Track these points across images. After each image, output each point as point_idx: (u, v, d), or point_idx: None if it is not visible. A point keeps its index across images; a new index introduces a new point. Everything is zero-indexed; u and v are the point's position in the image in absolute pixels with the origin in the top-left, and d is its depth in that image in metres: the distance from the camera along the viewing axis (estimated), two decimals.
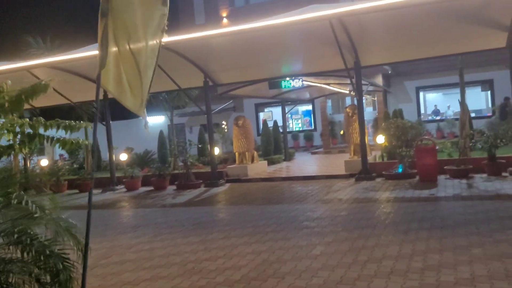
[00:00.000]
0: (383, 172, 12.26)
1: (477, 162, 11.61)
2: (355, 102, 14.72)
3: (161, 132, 23.17)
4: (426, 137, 12.29)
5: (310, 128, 28.05)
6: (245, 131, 14.97)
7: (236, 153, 15.19)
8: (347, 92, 21.40)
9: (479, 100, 25.67)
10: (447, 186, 10.25)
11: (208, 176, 14.02)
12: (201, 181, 14.08)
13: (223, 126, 24.48)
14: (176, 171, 14.85)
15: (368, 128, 31.38)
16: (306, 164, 17.81)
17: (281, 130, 20.67)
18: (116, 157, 16.42)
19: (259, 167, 15.47)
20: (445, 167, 11.53)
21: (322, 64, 13.11)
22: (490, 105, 23.10)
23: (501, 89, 22.78)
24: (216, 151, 14.55)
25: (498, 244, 5.61)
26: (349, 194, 10.22)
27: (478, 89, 25.12)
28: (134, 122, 34.21)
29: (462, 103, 13.51)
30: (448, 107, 27.07)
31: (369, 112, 24.78)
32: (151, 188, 14.37)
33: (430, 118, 25.55)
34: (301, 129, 28.21)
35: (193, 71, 13.76)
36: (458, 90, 28.38)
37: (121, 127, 33.85)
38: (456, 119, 24.28)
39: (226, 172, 14.74)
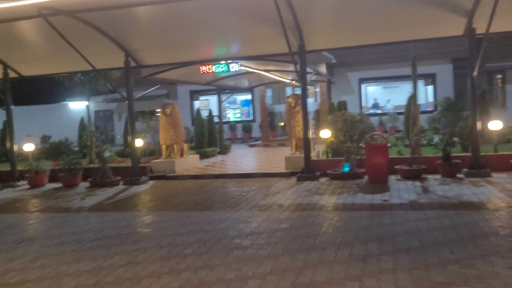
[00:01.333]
0: (328, 171, 10.89)
1: (430, 161, 10.49)
2: (297, 91, 13.31)
3: (82, 120, 20.67)
4: (377, 132, 11.02)
5: (248, 118, 26.52)
6: (173, 121, 13.09)
7: (163, 146, 13.29)
8: (289, 81, 20.04)
9: (420, 94, 25.20)
10: (401, 189, 8.99)
11: (129, 171, 12.04)
12: (120, 177, 12.09)
13: (158, 114, 22.38)
14: (91, 165, 12.71)
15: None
16: (242, 158, 16.20)
17: (217, 120, 18.93)
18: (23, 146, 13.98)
19: (189, 162, 13.67)
20: (396, 167, 10.32)
21: (263, 47, 11.48)
22: (433, 99, 22.58)
23: (443, 83, 22.31)
24: (139, 142, 12.58)
25: (483, 279, 4.24)
26: (290, 198, 8.70)
27: (420, 83, 24.60)
28: (57, 107, 31.13)
29: (414, 97, 12.41)
30: (388, 100, 26.51)
31: (310, 103, 23.60)
32: (60, 185, 12.18)
33: (371, 111, 24.80)
34: (239, 120, 26.61)
35: (112, 49, 11.66)
36: (399, 84, 28.22)
37: (41, 113, 30.73)
38: (399, 113, 23.74)
39: (151, 168, 12.82)
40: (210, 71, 12.09)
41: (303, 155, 11.97)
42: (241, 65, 12.67)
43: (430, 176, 10.15)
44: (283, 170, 11.98)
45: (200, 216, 7.68)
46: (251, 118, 26.58)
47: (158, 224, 7.29)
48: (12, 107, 13.14)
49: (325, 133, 11.50)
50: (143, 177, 12.02)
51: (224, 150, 18.11)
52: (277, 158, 15.12)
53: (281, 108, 23.62)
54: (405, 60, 22.46)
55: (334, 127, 10.63)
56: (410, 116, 12.46)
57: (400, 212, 7.17)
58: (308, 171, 10.83)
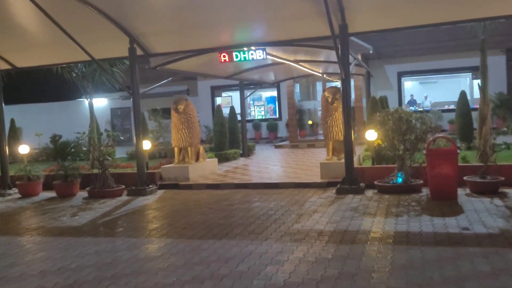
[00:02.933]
0: (376, 182, 8.76)
1: (507, 171, 8.25)
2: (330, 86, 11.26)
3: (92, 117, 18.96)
4: (441, 135, 8.82)
5: (274, 116, 24.47)
6: (187, 119, 11.13)
7: (175, 149, 11.36)
8: (320, 74, 17.89)
9: (467, 90, 22.67)
10: (478, 210, 6.81)
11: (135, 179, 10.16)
12: (123, 186, 10.21)
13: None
14: (92, 171, 10.86)
15: None
16: (268, 162, 14.15)
17: (239, 119, 16.94)
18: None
19: (206, 167, 11.70)
20: (464, 178, 8.11)
21: (294, 29, 9.38)
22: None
23: (495, 76, 19.74)
24: (147, 145, 10.67)
25: None
26: (333, 221, 6.62)
27: (467, 76, 22.13)
28: (72, 105, 29.64)
29: (484, 89, 10.14)
30: (425, 97, 24.08)
31: None
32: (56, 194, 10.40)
33: (411, 108, 22.41)
34: (263, 118, 24.56)
35: (114, 34, 9.78)
36: (437, 79, 25.66)
37: (56, 110, 29.24)
38: (444, 111, 21.32)
39: (160, 174, 10.90)
40: (230, 60, 10.08)
41: (342, 161, 9.87)
42: (267, 53, 10.59)
43: (510, 191, 7.92)
44: (317, 179, 9.90)
45: (213, 248, 5.68)
46: (276, 116, 24.53)
47: (155, 261, 5.32)
48: (15, 105, 11.38)
49: (371, 135, 9.36)
50: (150, 186, 10.12)
51: (247, 152, 16.11)
52: (308, 163, 13.02)
53: (310, 104, 21.51)
54: (450, 51, 20.14)
55: (383, 128, 8.48)
56: (479, 113, 10.24)
57: (496, 250, 5.01)
58: (350, 181, 8.73)
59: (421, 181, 8.49)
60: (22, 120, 27.13)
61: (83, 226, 7.37)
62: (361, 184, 8.82)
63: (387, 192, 8.45)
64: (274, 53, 11.90)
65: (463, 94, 15.54)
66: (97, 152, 10.07)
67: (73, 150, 14.55)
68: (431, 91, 24.58)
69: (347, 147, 8.85)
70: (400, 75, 21.10)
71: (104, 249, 5.90)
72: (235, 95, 24.30)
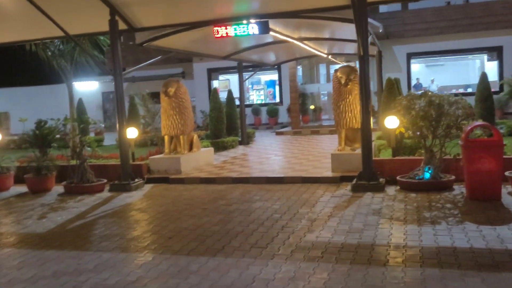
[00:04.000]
0: (398, 178, 7.46)
1: None
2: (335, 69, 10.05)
3: (80, 101, 17.62)
4: (480, 122, 7.46)
5: (274, 101, 23.08)
6: (178, 104, 9.77)
7: (166, 137, 10.01)
8: (325, 55, 16.52)
9: (476, 72, 21.31)
10: None
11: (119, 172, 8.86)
12: (105, 181, 8.90)
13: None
14: (72, 163, 9.49)
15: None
16: (269, 151, 12.83)
17: (237, 103, 15.58)
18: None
19: (200, 158, 10.38)
20: (506, 173, 6.81)
21: None
22: (497, 78, 18.68)
23: (511, 58, 18.38)
24: (132, 133, 9.32)
25: None
26: (353, 231, 5.32)
27: (483, 58, 20.72)
28: (61, 88, 28.03)
29: None
30: (432, 80, 22.70)
31: None
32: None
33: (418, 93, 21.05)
34: (263, 102, 23.18)
35: (91, 3, 8.36)
36: (445, 61, 24.19)
37: (44, 94, 27.70)
38: (457, 95, 19.87)
39: (148, 166, 9.58)
40: (228, 34, 8.69)
41: (356, 152, 8.58)
42: (270, 29, 9.18)
43: None
44: (328, 172, 8.60)
45: (205, 269, 4.40)
46: (275, 100, 23.14)
47: None
48: None
49: (391, 122, 8.03)
50: (136, 180, 8.81)
51: (247, 140, 14.78)
52: (315, 152, 11.71)
53: (314, 88, 20.13)
54: (464, 30, 18.70)
55: (408, 114, 7.14)
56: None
57: None
58: (369, 177, 7.43)
59: (453, 177, 7.20)
60: (7, 105, 25.83)
61: (49, 233, 6.07)
62: (381, 179, 7.52)
63: (412, 189, 7.16)
64: (277, 29, 10.51)
65: (483, 76, 14.17)
66: (73, 142, 8.70)
67: (58, 137, 13.17)
68: (438, 75, 23.22)
69: (365, 137, 7.53)
70: (410, 56, 19.67)
71: (65, 270, 4.61)
72: (233, 78, 22.90)
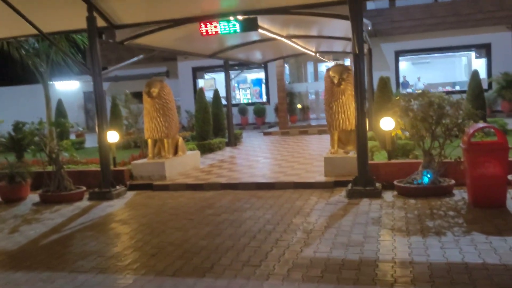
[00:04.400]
0: (395, 182, 7.08)
1: None
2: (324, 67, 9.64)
3: (59, 102, 16.96)
4: (487, 125, 7.06)
5: (260, 100, 22.65)
6: (163, 105, 9.27)
7: (149, 141, 9.49)
8: (312, 53, 16.11)
9: (467, 70, 21.15)
10: None
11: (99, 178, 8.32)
12: (84, 188, 8.37)
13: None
14: (49, 169, 8.91)
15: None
16: (258, 153, 12.38)
17: (224, 103, 15.10)
18: None
19: (186, 162, 9.89)
20: (508, 177, 6.46)
21: None
22: (485, 76, 18.46)
23: (501, 55, 18.20)
24: (112, 136, 8.79)
25: None
26: (353, 244, 4.91)
27: (470, 55, 20.55)
28: (40, 88, 27.16)
29: None
30: (418, 78, 22.50)
31: None
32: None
33: (408, 90, 20.78)
34: (249, 102, 22.72)
35: (68, 0, 7.82)
36: (432, 59, 23.98)
37: (25, 95, 26.81)
38: (448, 93, 19.57)
39: (131, 172, 9.07)
40: (215, 32, 8.20)
41: (350, 154, 8.19)
42: (259, 26, 8.70)
43: None
44: (321, 177, 8.19)
45: None
46: (262, 99, 22.70)
47: None
48: None
49: (387, 124, 7.65)
50: (117, 187, 8.30)
51: (234, 141, 14.32)
52: (305, 154, 11.30)
53: (302, 87, 19.74)
54: (451, 27, 18.45)
55: (406, 115, 6.75)
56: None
57: None
58: (365, 182, 7.03)
59: (453, 181, 6.84)
60: None
61: (20, 250, 5.54)
62: (377, 184, 7.13)
63: (410, 195, 6.78)
64: (265, 26, 10.05)
65: (475, 74, 13.89)
66: (49, 147, 8.13)
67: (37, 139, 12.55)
68: (424, 72, 23.07)
69: (361, 139, 7.12)
70: (398, 54, 19.41)
71: None
72: (219, 77, 22.42)
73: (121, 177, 8.74)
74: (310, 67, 21.80)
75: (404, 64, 22.45)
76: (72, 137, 17.57)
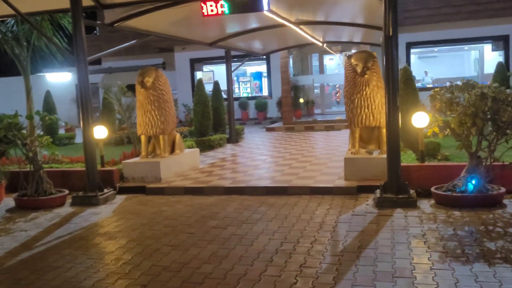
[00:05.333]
0: (433, 190, 5.99)
1: None
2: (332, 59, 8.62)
3: (47, 94, 15.78)
4: None
5: (260, 94, 21.54)
6: (158, 97, 8.13)
7: (142, 137, 8.35)
8: (320, 43, 15.00)
9: (485, 63, 20.07)
10: None
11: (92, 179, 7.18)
12: (67, 192, 7.24)
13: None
14: (25, 168, 7.73)
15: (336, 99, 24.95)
16: (263, 151, 11.26)
17: (225, 97, 13.98)
18: None
19: (184, 162, 8.76)
20: None
21: None
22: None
23: None
24: (100, 132, 7.66)
25: None
26: (399, 273, 3.82)
27: (482, 48, 19.48)
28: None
29: None
30: (426, 72, 21.43)
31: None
32: None
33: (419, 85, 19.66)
34: (250, 96, 21.59)
35: None
36: (439, 53, 22.93)
37: (15, 86, 25.49)
38: None
39: (121, 173, 7.94)
40: (219, 12, 7.06)
41: (374, 155, 7.11)
42: (269, 8, 7.56)
43: None
44: (340, 180, 7.08)
45: None
46: (262, 93, 21.56)
47: None
48: None
49: (419, 120, 6.57)
50: (105, 190, 7.18)
51: (235, 137, 13.21)
52: (316, 153, 10.20)
53: (308, 80, 18.60)
54: (469, 17, 17.35)
55: (451, 110, 5.65)
56: None
57: None
58: (397, 188, 5.94)
59: (502, 189, 5.75)
60: None
61: None
62: (411, 191, 6.04)
63: (453, 205, 5.69)
64: (273, 8, 8.91)
65: (500, 66, 12.89)
66: (28, 144, 6.97)
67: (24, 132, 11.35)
68: (431, 66, 22.03)
69: (392, 138, 6.03)
70: (409, 46, 18.28)
71: None
72: (218, 69, 21.29)
73: (110, 178, 7.61)
74: (315, 60, 20.67)
75: (411, 58, 21.40)
76: (61, 132, 16.42)
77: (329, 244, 4.66)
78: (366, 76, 6.96)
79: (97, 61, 26.21)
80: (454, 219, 5.23)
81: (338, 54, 19.58)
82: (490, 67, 20.74)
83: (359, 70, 6.96)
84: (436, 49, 21.45)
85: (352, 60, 7.08)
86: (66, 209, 6.79)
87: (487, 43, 18.20)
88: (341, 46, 17.75)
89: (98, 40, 23.28)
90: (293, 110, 17.12)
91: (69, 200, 7.14)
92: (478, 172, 5.67)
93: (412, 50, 18.65)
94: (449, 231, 4.83)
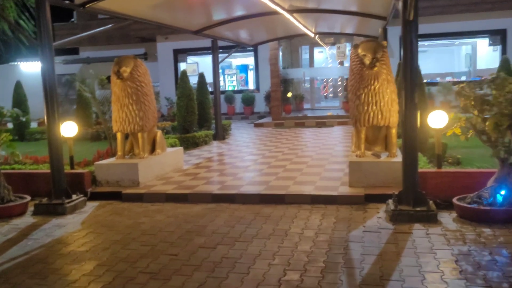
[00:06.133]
0: (455, 201, 5.18)
1: None
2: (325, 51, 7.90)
3: (18, 85, 14.57)
4: None
5: (246, 87, 20.62)
6: (137, 90, 7.15)
7: (118, 135, 7.37)
8: (313, 34, 14.12)
9: (480, 59, 19.45)
10: None
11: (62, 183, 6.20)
12: (29, 198, 6.26)
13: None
14: None
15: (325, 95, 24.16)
16: (253, 150, 10.36)
17: (211, 90, 13.02)
18: None
19: (166, 162, 7.81)
20: None
21: None
22: (498, 65, 16.69)
23: None
24: (69, 129, 6.68)
25: None
26: None
27: (475, 43, 18.85)
28: (3, 69, 24.54)
29: None
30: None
31: (337, 69, 17.59)
32: None
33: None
34: (236, 89, 20.65)
35: None
36: (428, 47, 22.25)
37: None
38: (457, 83, 17.81)
39: (93, 175, 6.97)
40: None
41: (382, 159, 6.28)
42: None
43: None
44: (344, 187, 6.24)
45: None
46: (248, 87, 20.63)
47: None
48: None
49: (437, 119, 5.75)
50: (74, 196, 6.21)
51: (222, 134, 12.28)
52: (311, 153, 9.34)
53: (298, 73, 17.74)
54: (467, 10, 16.69)
55: (482, 109, 4.82)
56: None
57: None
58: (414, 199, 5.11)
59: None
60: None
61: None
62: (429, 202, 5.21)
63: (479, 219, 4.89)
64: None
65: (505, 61, 12.21)
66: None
67: None
68: (420, 62, 21.33)
69: (409, 140, 5.18)
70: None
71: None
72: (203, 61, 20.30)
73: (80, 182, 6.65)
74: (305, 53, 19.83)
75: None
76: (33, 125, 15.30)
77: (343, 273, 3.80)
78: (375, 68, 6.10)
79: (75, 51, 24.99)
80: (486, 239, 4.42)
81: (329, 47, 18.76)
82: (482, 63, 20.23)
83: (367, 61, 6.09)
84: (426, 43, 20.80)
85: (359, 50, 6.21)
86: (27, 220, 5.81)
87: (484, 37, 17.54)
88: (334, 38, 16.91)
89: (75, 28, 22.04)
90: (283, 105, 16.25)
91: (31, 208, 6.15)
92: (511, 181, 4.87)
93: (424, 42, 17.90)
94: (486, 256, 4.02)
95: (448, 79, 18.77)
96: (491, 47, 17.80)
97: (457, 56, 23.33)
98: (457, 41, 20.67)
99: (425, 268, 3.82)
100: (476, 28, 16.82)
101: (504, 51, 16.67)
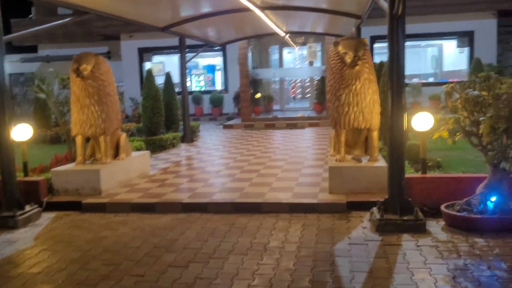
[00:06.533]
0: (443, 208, 4.88)
1: None
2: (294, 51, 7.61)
3: None
4: None
5: (213, 88, 20.09)
6: (98, 90, 6.56)
7: (78, 139, 6.75)
8: (284, 34, 13.75)
9: (447, 59, 19.59)
10: None
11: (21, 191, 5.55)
12: None
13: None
14: None
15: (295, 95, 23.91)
16: (224, 153, 9.87)
17: (178, 90, 12.45)
18: None
19: (131, 168, 7.23)
20: None
21: None
22: (467, 66, 16.82)
23: (484, 45, 16.62)
24: (23, 132, 6.04)
25: None
26: None
27: (447, 44, 18.97)
28: None
29: None
30: None
31: (311, 69, 17.25)
32: None
33: None
34: (203, 90, 20.09)
35: None
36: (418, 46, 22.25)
37: None
38: (426, 84, 17.85)
39: (50, 183, 6.34)
40: None
41: (364, 163, 5.94)
42: None
43: None
44: (324, 193, 5.86)
45: None
46: (215, 87, 20.10)
47: None
48: None
49: (422, 122, 5.45)
50: (28, 207, 5.59)
51: (190, 136, 11.74)
52: (285, 156, 8.92)
53: (268, 73, 17.35)
54: (436, 12, 16.73)
55: (476, 110, 4.52)
56: None
57: None
58: (401, 207, 4.77)
59: None
60: None
61: None
62: (417, 211, 4.88)
63: (469, 228, 4.59)
64: None
65: (477, 62, 12.17)
66: None
67: None
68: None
69: (396, 144, 4.84)
70: (374, 39, 17.39)
71: None
72: (169, 60, 19.67)
73: (35, 191, 6.01)
74: (274, 53, 19.48)
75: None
76: None
77: None
78: (357, 67, 5.74)
79: (33, 49, 23.84)
80: (481, 251, 4.11)
81: (299, 47, 18.47)
82: (449, 65, 20.43)
83: (348, 60, 5.73)
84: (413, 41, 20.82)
85: (340, 48, 5.84)
86: None
87: (452, 39, 17.64)
88: (304, 38, 16.62)
89: (33, 24, 20.76)
90: (252, 106, 15.83)
91: None
92: (503, 188, 4.59)
93: (377, 44, 17.78)
94: (484, 271, 3.70)
95: (415, 80, 18.80)
96: (458, 49, 17.95)
97: (424, 58, 23.54)
98: (423, 43, 20.79)
99: (421, 287, 3.46)
100: (444, 30, 16.88)
101: (472, 53, 16.79)
